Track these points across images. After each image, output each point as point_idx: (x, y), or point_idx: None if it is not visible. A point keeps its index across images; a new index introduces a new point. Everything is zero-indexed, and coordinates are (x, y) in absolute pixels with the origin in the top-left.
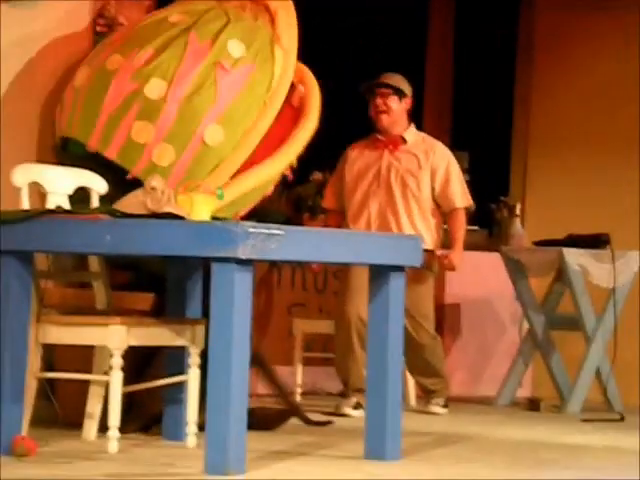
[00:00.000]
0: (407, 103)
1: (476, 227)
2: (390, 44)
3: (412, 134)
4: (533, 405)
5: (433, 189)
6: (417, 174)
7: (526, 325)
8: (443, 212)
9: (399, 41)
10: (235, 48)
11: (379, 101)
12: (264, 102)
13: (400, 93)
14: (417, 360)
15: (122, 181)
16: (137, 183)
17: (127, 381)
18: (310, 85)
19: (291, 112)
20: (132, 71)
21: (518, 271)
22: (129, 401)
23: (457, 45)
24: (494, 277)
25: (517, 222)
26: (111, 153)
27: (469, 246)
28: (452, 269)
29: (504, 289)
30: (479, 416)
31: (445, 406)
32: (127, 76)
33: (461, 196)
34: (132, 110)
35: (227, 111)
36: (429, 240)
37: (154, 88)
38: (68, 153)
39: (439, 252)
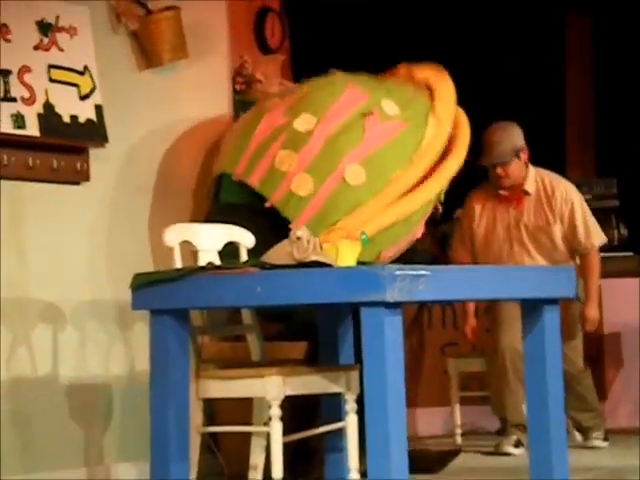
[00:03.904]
0: (524, 154)
1: (630, 253)
2: (529, 76)
3: (532, 182)
4: None
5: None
6: (546, 228)
7: None
8: (577, 255)
9: (538, 73)
10: (389, 107)
11: (499, 171)
12: (410, 160)
13: (516, 153)
14: (568, 394)
15: (272, 228)
16: (282, 227)
17: (294, 431)
18: (460, 124)
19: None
20: (286, 107)
21: None
22: (306, 450)
23: (596, 70)
24: None
25: None
26: (253, 180)
27: (624, 274)
28: (592, 326)
29: None
30: None
31: (606, 439)
32: (280, 111)
33: (587, 239)
34: (279, 140)
35: (371, 155)
36: None
37: (303, 122)
38: (220, 206)
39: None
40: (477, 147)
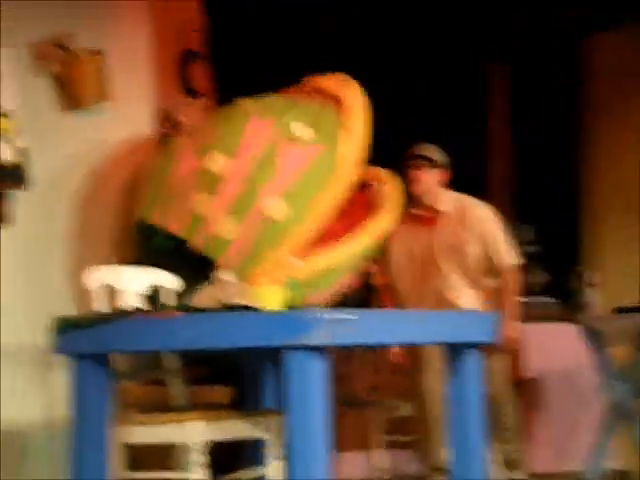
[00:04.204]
0: (441, 175)
1: (550, 298)
2: (450, 123)
3: (447, 202)
4: (622, 478)
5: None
6: (460, 248)
7: (607, 396)
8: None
9: (459, 120)
10: (299, 130)
11: (412, 173)
12: (329, 181)
13: (435, 164)
14: (493, 421)
15: (200, 271)
16: (206, 267)
17: (216, 476)
18: (392, 186)
19: (364, 206)
20: (196, 148)
21: (597, 340)
22: None
23: (516, 117)
24: (572, 348)
25: (592, 291)
26: (173, 226)
27: (544, 319)
28: (512, 344)
29: (582, 360)
30: None
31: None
32: (191, 152)
33: (502, 256)
34: (194, 183)
35: (289, 186)
36: (483, 306)
37: (214, 161)
38: (144, 250)
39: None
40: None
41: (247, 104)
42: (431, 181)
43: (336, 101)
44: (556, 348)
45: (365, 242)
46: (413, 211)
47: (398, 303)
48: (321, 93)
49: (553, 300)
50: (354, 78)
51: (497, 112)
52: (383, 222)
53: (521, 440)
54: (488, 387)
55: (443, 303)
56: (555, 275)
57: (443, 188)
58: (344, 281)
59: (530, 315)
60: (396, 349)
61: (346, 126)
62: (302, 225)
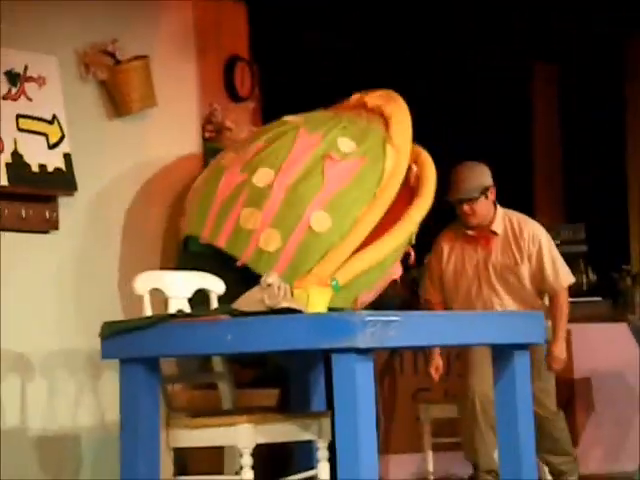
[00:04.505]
0: (492, 194)
1: (599, 298)
2: (497, 122)
3: (500, 222)
4: None
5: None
6: (514, 268)
7: None
8: (545, 294)
9: (505, 119)
10: (345, 144)
11: (466, 208)
12: (374, 195)
13: (483, 192)
14: (543, 436)
15: (242, 279)
16: (252, 275)
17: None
18: (425, 165)
19: (406, 192)
20: (242, 163)
21: None
22: None
23: (562, 116)
24: (622, 348)
25: None
26: (220, 242)
27: (594, 318)
28: (559, 364)
29: (633, 359)
30: None
31: None
32: (238, 168)
33: (555, 279)
34: (240, 198)
35: (334, 199)
36: None
37: (262, 176)
38: (189, 255)
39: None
40: (443, 189)
41: (295, 120)
42: (487, 209)
43: (382, 117)
44: (606, 348)
45: (405, 233)
46: (469, 232)
47: None
48: (367, 109)
49: (602, 300)
50: (397, 78)
51: (543, 110)
52: (423, 208)
53: (572, 453)
54: (538, 408)
55: None
56: (604, 274)
57: (494, 206)
58: (392, 273)
59: (579, 315)
60: (437, 363)
61: (392, 142)
62: (345, 238)
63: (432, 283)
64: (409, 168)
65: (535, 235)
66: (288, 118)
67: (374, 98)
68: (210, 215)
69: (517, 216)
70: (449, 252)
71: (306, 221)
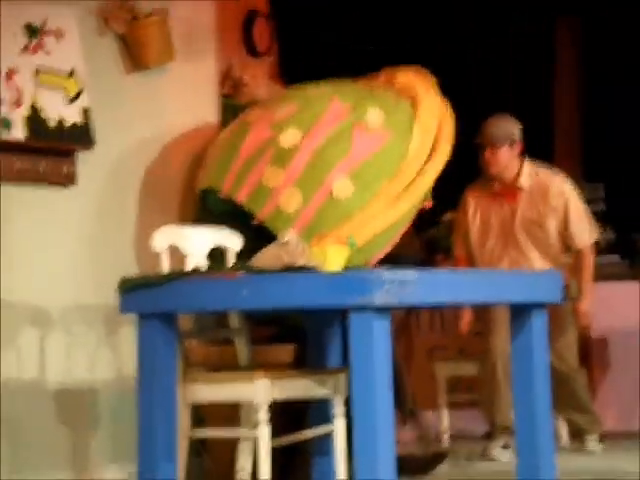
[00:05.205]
0: (517, 147)
1: (617, 257)
2: (518, 80)
3: (527, 177)
4: None
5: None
6: (541, 222)
7: None
8: (571, 250)
9: (526, 76)
10: (374, 116)
11: (487, 155)
12: (397, 170)
13: (509, 141)
14: (563, 394)
15: (257, 237)
16: (267, 234)
17: (283, 434)
18: (445, 121)
19: None
20: (271, 121)
21: None
22: (295, 453)
23: (585, 74)
24: (638, 307)
25: None
26: (241, 197)
27: (611, 277)
28: (586, 319)
29: None
30: (634, 453)
31: (601, 442)
32: (265, 125)
33: (581, 235)
34: (265, 156)
35: (358, 168)
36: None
37: (289, 137)
38: (206, 212)
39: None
40: (462, 146)
41: (329, 86)
42: (508, 159)
43: (412, 96)
44: (623, 307)
45: (421, 192)
46: (493, 187)
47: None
48: (398, 86)
49: (620, 259)
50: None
51: (565, 66)
52: (439, 164)
53: (594, 411)
54: (560, 364)
55: None
56: (622, 233)
57: (519, 161)
58: (399, 234)
59: (597, 274)
60: (468, 317)
61: (419, 121)
62: (364, 208)
63: (459, 236)
64: None
65: (562, 190)
66: (318, 85)
67: (405, 76)
68: (232, 169)
69: (545, 171)
70: (475, 207)
71: (328, 186)
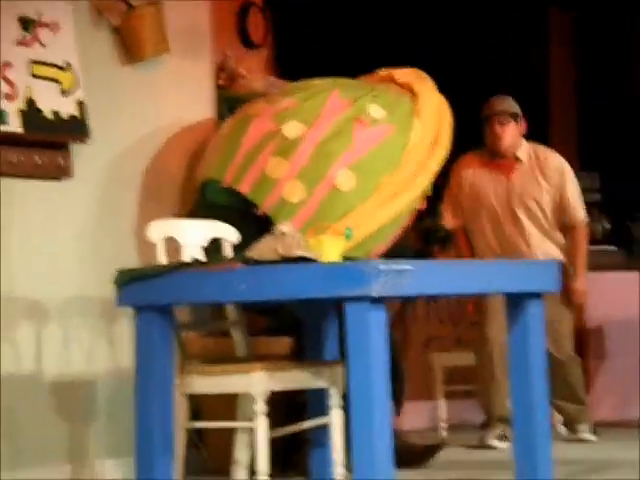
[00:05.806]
0: (522, 126)
1: (613, 247)
2: (512, 70)
3: (525, 152)
4: None
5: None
6: (537, 195)
7: None
8: (564, 226)
9: (520, 67)
10: (375, 111)
11: (498, 129)
12: (398, 163)
13: (516, 118)
14: (558, 381)
15: (257, 230)
16: (268, 224)
17: (281, 426)
18: (444, 115)
19: None
20: (273, 114)
21: None
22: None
23: (579, 64)
24: (636, 297)
25: None
26: (244, 187)
27: (607, 267)
28: (580, 298)
29: None
30: (631, 441)
31: (594, 432)
32: (268, 117)
33: (576, 210)
34: (269, 147)
35: (361, 160)
36: (558, 255)
37: (292, 129)
38: (207, 204)
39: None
40: (459, 139)
41: (330, 81)
42: (515, 135)
43: (411, 92)
44: (619, 297)
45: (421, 186)
46: (490, 160)
47: (473, 246)
48: (396, 83)
49: (616, 248)
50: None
51: (559, 57)
52: (440, 157)
53: (585, 401)
54: (556, 351)
55: (517, 249)
56: (618, 223)
57: (521, 140)
58: (406, 222)
59: (593, 264)
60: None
61: (419, 116)
62: (367, 200)
63: (450, 207)
64: None
65: (560, 165)
66: (319, 80)
67: (403, 75)
68: (235, 160)
69: (543, 148)
70: (471, 177)
71: (331, 178)
